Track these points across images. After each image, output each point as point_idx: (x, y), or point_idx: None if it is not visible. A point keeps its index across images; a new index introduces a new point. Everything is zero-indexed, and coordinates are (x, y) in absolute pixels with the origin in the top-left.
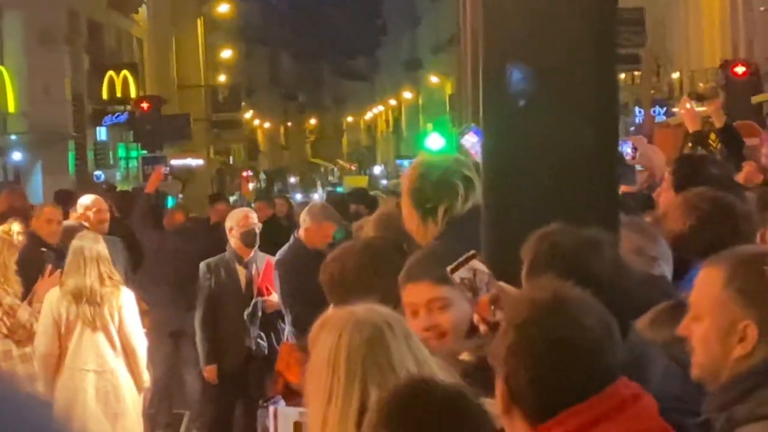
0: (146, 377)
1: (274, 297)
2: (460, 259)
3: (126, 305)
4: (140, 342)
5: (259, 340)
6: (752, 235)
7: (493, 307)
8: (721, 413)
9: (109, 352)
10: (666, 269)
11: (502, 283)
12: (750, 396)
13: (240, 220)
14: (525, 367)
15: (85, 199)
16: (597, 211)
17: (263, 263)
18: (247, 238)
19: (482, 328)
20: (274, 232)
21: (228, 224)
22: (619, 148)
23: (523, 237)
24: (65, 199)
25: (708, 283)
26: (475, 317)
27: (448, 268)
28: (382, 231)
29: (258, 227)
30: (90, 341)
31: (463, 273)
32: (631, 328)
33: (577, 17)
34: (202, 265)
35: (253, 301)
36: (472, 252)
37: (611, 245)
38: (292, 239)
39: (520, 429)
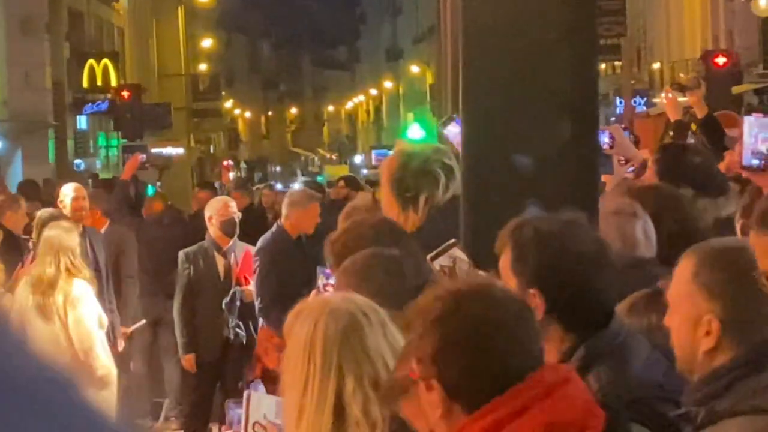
0: (102, 371)
1: (252, 286)
2: (441, 248)
3: (81, 297)
4: (91, 335)
5: (237, 329)
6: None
7: None
8: (700, 407)
9: (61, 343)
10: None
11: (482, 273)
12: (728, 391)
13: (219, 209)
14: (454, 361)
15: (66, 188)
16: (576, 201)
17: (242, 252)
18: (227, 227)
19: None
20: (251, 221)
21: (207, 213)
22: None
23: (502, 226)
24: (30, 190)
25: (679, 275)
26: None
27: (429, 256)
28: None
29: (238, 216)
30: (42, 331)
31: (443, 261)
32: (614, 315)
33: (556, 7)
34: (181, 253)
35: (232, 290)
36: (452, 240)
37: (588, 224)
38: (275, 227)
39: (461, 423)
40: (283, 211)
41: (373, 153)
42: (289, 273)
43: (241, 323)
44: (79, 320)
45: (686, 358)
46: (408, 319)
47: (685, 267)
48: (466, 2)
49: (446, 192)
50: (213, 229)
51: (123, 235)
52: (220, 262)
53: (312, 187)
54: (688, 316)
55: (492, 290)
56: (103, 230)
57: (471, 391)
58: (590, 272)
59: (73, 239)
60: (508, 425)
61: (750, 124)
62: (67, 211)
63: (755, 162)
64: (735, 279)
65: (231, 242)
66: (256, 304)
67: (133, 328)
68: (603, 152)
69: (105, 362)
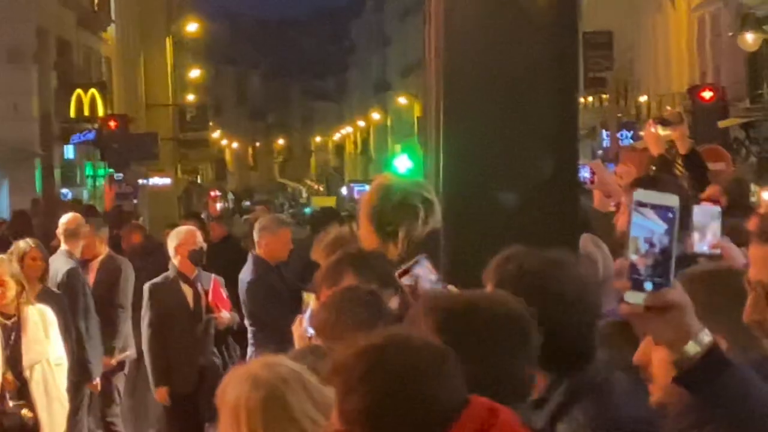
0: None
1: (225, 314)
2: (408, 264)
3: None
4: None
5: (213, 357)
6: None
7: None
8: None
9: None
10: None
11: (451, 287)
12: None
13: (188, 238)
14: (386, 413)
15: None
16: (557, 235)
17: (209, 281)
18: (195, 257)
19: None
20: (228, 252)
21: (173, 243)
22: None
23: (482, 260)
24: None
25: None
26: None
27: (397, 273)
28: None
29: (204, 246)
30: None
31: (405, 280)
32: (594, 353)
33: (538, 42)
34: (146, 286)
35: (205, 318)
36: (421, 256)
37: (575, 264)
38: (251, 258)
39: None
40: (255, 238)
41: (354, 187)
42: (274, 300)
43: (216, 350)
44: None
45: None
46: (327, 377)
47: None
48: (447, 37)
49: (425, 226)
50: (180, 259)
51: (120, 264)
52: (187, 291)
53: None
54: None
55: (409, 339)
56: (98, 260)
57: None
58: (569, 313)
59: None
60: None
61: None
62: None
63: (705, 249)
64: (719, 306)
65: (197, 271)
66: (251, 335)
67: (119, 358)
68: (584, 187)
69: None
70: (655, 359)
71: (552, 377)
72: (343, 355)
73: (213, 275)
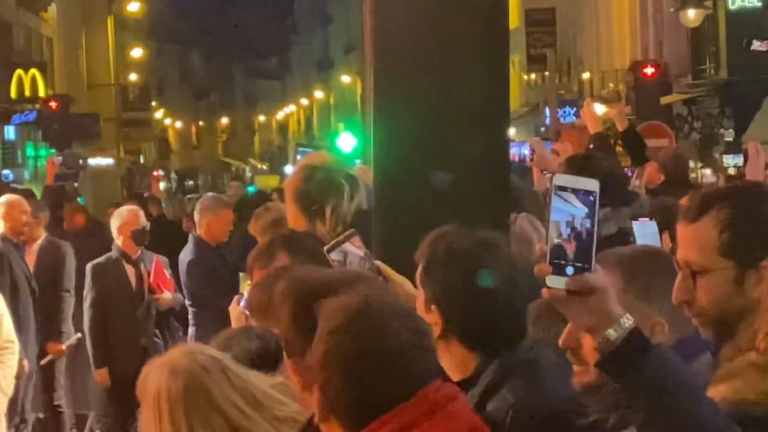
0: None
1: (167, 294)
2: (339, 238)
3: None
4: None
5: (155, 338)
6: None
7: None
8: (613, 411)
9: None
10: None
11: (378, 263)
12: None
13: (131, 218)
14: (337, 376)
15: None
16: (488, 214)
17: (151, 262)
18: (139, 237)
19: None
20: (161, 231)
21: (116, 223)
22: (518, 151)
23: (414, 239)
24: None
25: None
26: None
27: (326, 247)
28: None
29: (147, 226)
30: None
31: (334, 255)
32: (526, 333)
33: (468, 20)
34: (89, 266)
35: (146, 299)
36: (350, 231)
37: (505, 245)
38: (191, 239)
39: None
40: (196, 218)
41: (300, 150)
42: (215, 281)
43: (158, 332)
44: None
45: None
46: (323, 311)
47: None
48: (376, 15)
49: (351, 202)
50: (122, 239)
51: (61, 247)
52: (130, 272)
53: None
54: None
55: (387, 305)
56: (37, 243)
57: (343, 411)
58: (497, 293)
59: None
60: None
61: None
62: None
63: None
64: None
65: (140, 251)
66: (191, 317)
67: (67, 343)
68: (524, 165)
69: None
70: (585, 341)
71: (482, 357)
72: (331, 304)
73: (155, 255)
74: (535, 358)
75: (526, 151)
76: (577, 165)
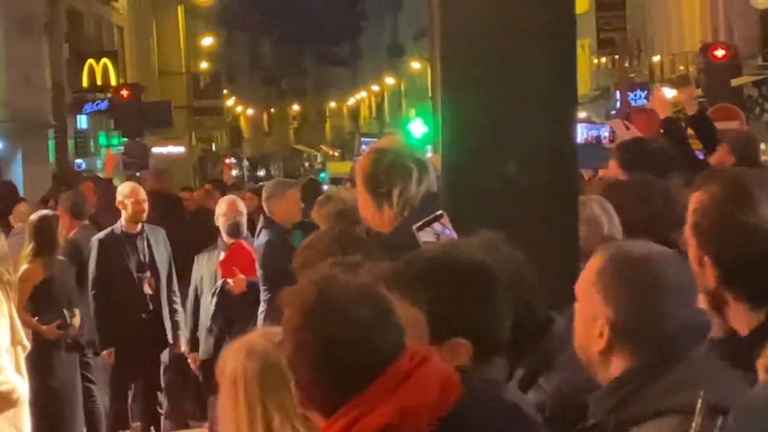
0: (4, 387)
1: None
2: (428, 218)
3: None
4: None
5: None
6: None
7: None
8: (610, 415)
9: None
10: None
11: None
12: (635, 397)
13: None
14: (306, 371)
15: (125, 188)
16: (555, 198)
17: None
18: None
19: None
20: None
21: (219, 211)
22: (597, 133)
23: (481, 224)
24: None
25: (588, 269)
26: None
27: (414, 226)
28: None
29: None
30: None
31: (427, 237)
32: (557, 320)
33: (534, 4)
34: (202, 257)
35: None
36: (439, 212)
37: (505, 243)
38: (264, 222)
39: (320, 425)
40: (265, 206)
41: (363, 141)
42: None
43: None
44: None
45: (581, 350)
46: (284, 304)
47: (593, 263)
48: (444, 2)
49: (419, 185)
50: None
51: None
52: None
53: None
54: (585, 312)
55: (345, 290)
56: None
57: (318, 402)
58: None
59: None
60: (363, 419)
61: None
62: (126, 212)
63: None
64: (633, 289)
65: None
66: (263, 293)
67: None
68: (603, 147)
69: (9, 378)
70: (578, 316)
71: (511, 358)
72: (289, 295)
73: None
74: (561, 349)
75: (606, 133)
76: (627, 149)
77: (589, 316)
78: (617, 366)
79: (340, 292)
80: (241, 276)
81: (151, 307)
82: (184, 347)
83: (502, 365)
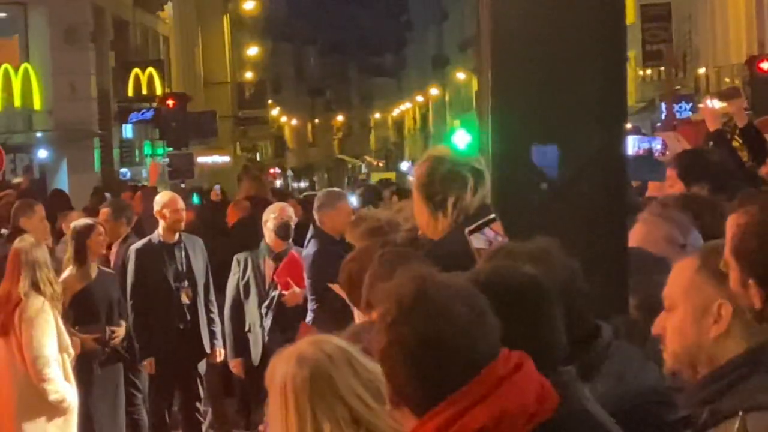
0: (54, 396)
1: (295, 290)
2: (480, 222)
3: (35, 315)
4: (42, 356)
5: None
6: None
7: None
8: (704, 407)
9: (13, 361)
10: None
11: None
12: (734, 388)
13: (280, 212)
14: (400, 367)
15: (163, 197)
16: (605, 209)
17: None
18: (282, 232)
19: None
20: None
21: (267, 217)
22: (649, 145)
23: (531, 234)
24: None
25: (680, 272)
26: None
27: (467, 229)
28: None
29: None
30: (2, 350)
31: (478, 243)
32: (604, 328)
33: (585, 16)
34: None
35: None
36: (491, 216)
37: (558, 250)
38: (313, 232)
39: (410, 423)
40: (315, 216)
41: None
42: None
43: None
44: (31, 340)
45: (688, 352)
46: (379, 302)
47: (686, 264)
48: (495, 12)
49: (475, 195)
50: (270, 234)
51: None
52: (269, 266)
53: (368, 191)
54: (694, 307)
55: (444, 287)
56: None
57: (411, 399)
58: (541, 303)
59: (41, 253)
60: (460, 420)
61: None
62: (165, 222)
63: None
64: None
65: (286, 246)
66: (310, 304)
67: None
68: (656, 159)
69: (58, 387)
70: (670, 324)
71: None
72: (385, 293)
73: (292, 249)
74: (614, 354)
75: (658, 146)
76: (687, 160)
77: (698, 308)
78: (730, 351)
79: (440, 290)
80: (296, 289)
81: (188, 317)
82: (224, 353)
83: (568, 373)
